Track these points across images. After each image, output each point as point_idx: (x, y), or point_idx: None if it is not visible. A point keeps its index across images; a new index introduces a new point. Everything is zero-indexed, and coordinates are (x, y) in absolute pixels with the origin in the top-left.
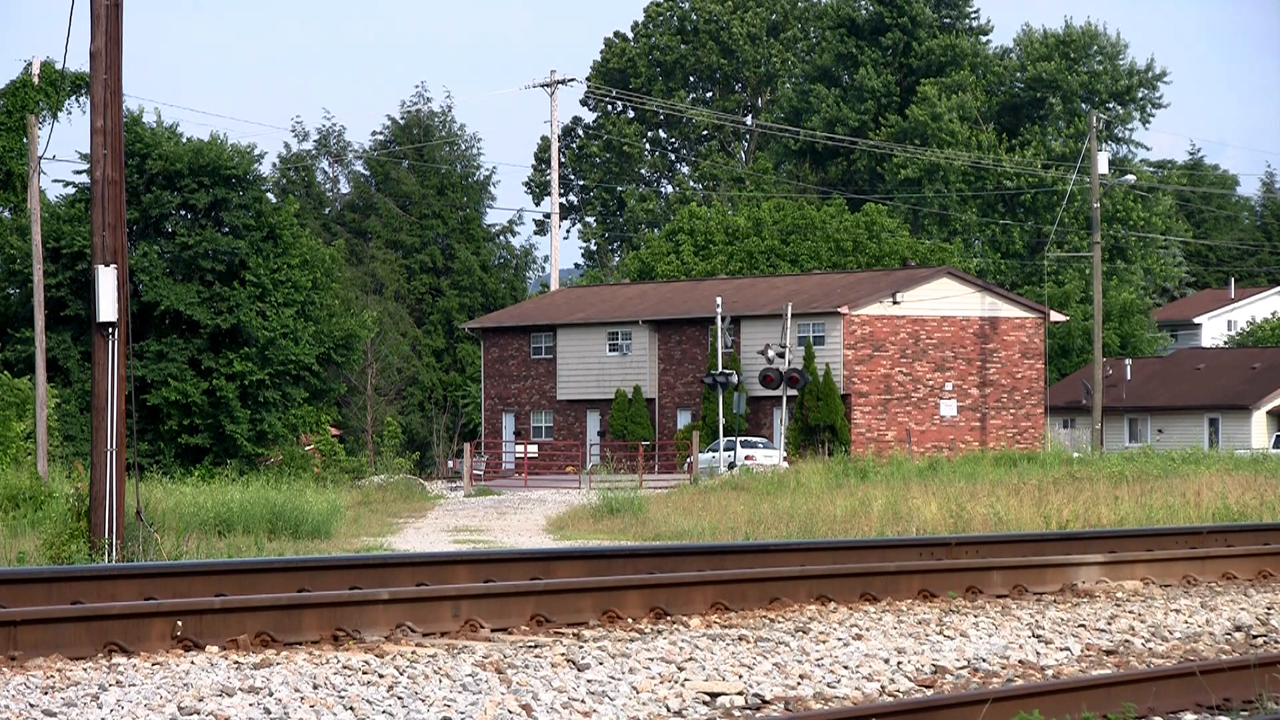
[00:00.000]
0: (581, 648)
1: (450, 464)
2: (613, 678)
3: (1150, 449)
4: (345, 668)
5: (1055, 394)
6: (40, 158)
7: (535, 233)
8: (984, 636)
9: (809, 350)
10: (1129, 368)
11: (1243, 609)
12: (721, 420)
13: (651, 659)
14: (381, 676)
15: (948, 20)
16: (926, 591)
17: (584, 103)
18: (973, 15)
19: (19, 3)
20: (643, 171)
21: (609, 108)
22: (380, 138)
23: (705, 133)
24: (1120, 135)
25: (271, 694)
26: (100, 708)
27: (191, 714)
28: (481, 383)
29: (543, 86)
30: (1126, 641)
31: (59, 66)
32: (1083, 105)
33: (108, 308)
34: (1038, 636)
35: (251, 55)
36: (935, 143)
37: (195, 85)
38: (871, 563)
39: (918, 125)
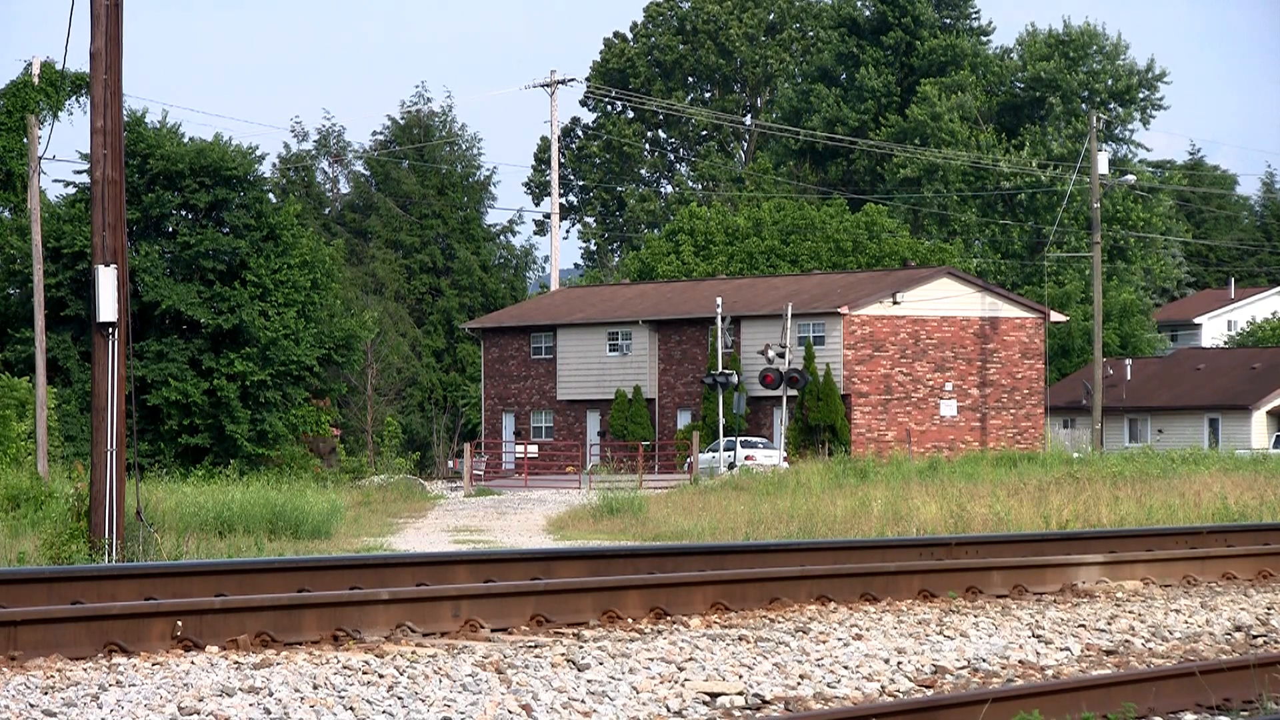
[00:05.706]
0: (581, 648)
1: (450, 464)
2: (613, 678)
3: (1150, 449)
4: (345, 668)
5: (1055, 394)
6: (40, 158)
7: (535, 233)
8: (984, 636)
9: (809, 350)
10: (1129, 368)
11: (1243, 609)
12: (721, 420)
13: (651, 659)
14: (381, 676)
15: (949, 20)
16: (926, 591)
17: (584, 103)
18: (974, 15)
19: (19, 3)
20: (642, 171)
21: (609, 108)
22: (380, 138)
23: (704, 133)
24: (1120, 135)
25: (271, 694)
26: (100, 708)
27: (191, 714)
28: (481, 383)
29: (543, 86)
30: (1126, 641)
31: (59, 66)
32: (1083, 105)
33: (108, 308)
34: (1038, 636)
35: (251, 55)
36: (935, 143)
37: (195, 85)
38: (871, 563)
39: (918, 125)
